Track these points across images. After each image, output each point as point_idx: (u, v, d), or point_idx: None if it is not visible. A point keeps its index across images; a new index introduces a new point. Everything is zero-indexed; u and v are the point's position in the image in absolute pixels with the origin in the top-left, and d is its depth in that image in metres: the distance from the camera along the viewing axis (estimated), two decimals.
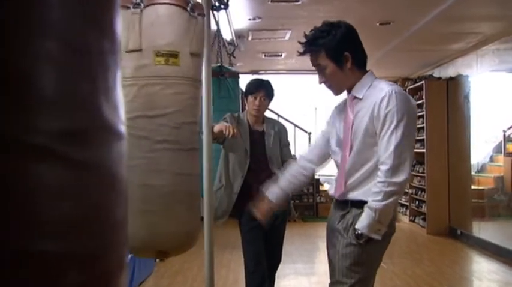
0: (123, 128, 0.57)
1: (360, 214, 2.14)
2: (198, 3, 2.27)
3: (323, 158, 2.54)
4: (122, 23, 2.15)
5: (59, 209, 0.47)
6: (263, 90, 3.49)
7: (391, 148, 2.07)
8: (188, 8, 2.17)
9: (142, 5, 2.11)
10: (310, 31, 2.28)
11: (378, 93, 2.15)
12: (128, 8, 2.12)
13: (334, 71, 2.23)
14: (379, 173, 2.09)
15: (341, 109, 2.37)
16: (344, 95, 2.35)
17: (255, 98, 3.47)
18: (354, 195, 2.21)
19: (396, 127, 2.07)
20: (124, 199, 0.58)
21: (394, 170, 2.06)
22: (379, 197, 2.06)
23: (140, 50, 2.09)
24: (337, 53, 2.20)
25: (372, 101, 2.15)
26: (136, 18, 2.10)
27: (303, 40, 2.28)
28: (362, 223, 2.11)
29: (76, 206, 0.49)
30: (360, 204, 2.16)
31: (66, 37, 0.46)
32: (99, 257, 0.52)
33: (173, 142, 2.09)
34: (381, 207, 2.06)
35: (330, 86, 2.30)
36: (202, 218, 2.62)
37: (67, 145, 0.47)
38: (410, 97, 2.25)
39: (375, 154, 2.14)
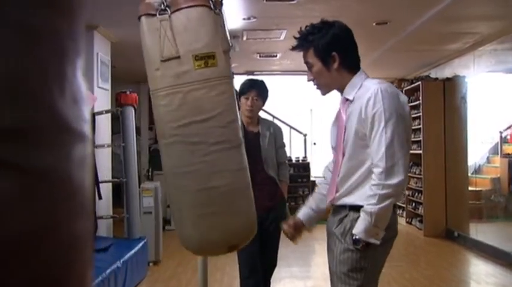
0: (86, 128, 0.48)
1: (358, 218, 2.07)
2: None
3: None
4: (149, 31, 2.08)
5: (1, 228, 0.38)
6: (255, 90, 3.44)
7: (382, 149, 2.00)
8: (211, 6, 2.13)
9: (168, 10, 2.07)
10: (306, 27, 2.25)
11: (365, 93, 2.09)
12: (153, 15, 2.09)
13: (321, 70, 2.21)
14: (373, 176, 2.03)
15: (337, 113, 2.33)
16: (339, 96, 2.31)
17: (247, 99, 3.43)
18: (351, 199, 2.15)
19: (385, 127, 2.01)
20: (87, 210, 0.49)
21: (387, 172, 1.99)
22: (374, 201, 1.99)
23: (178, 57, 2.05)
24: (324, 52, 2.17)
25: (360, 102, 2.10)
26: (167, 24, 2.06)
27: (297, 35, 2.27)
28: (359, 227, 2.04)
29: (24, 223, 0.40)
30: (358, 208, 2.09)
31: (4, 11, 0.37)
32: (57, 282, 0.44)
33: (225, 142, 2.11)
34: (377, 210, 1.99)
35: (317, 85, 2.28)
36: None
37: (8, 148, 0.39)
38: (400, 93, 2.16)
39: (369, 157, 2.08)
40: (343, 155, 2.17)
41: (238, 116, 2.30)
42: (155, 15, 2.07)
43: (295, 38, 2.27)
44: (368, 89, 2.09)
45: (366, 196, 2.04)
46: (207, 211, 2.12)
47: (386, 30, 6.00)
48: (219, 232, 2.14)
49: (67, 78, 0.44)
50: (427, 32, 6.12)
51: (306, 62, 2.24)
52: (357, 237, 2.04)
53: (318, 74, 2.22)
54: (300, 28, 2.26)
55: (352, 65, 2.21)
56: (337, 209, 2.24)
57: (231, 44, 2.25)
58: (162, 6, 2.05)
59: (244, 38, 6.51)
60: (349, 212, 2.14)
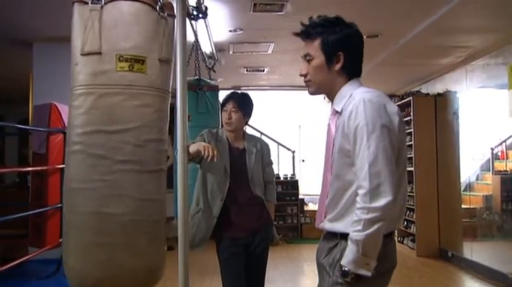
0: None
1: None
2: (167, 2, 1.98)
3: None
4: (77, 20, 1.72)
5: None
6: (232, 101, 3.25)
7: (365, 167, 1.76)
8: (157, 7, 1.90)
9: (102, 0, 1.83)
10: (318, 16, 1.99)
11: (351, 105, 1.86)
12: (86, 3, 1.84)
13: (321, 66, 1.96)
14: (357, 198, 1.78)
15: (327, 125, 2.07)
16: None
17: (226, 111, 3.22)
18: (341, 226, 1.89)
19: (368, 142, 1.77)
20: None
21: (372, 193, 1.74)
22: (360, 227, 1.74)
23: (99, 53, 1.80)
24: (332, 48, 1.92)
25: (345, 115, 1.87)
26: (96, 15, 1.81)
27: (305, 22, 2.00)
28: (347, 258, 1.78)
29: None
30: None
31: None
32: None
33: (136, 162, 1.81)
34: (363, 238, 1.74)
35: (308, 81, 2.01)
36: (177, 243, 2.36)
37: None
38: (388, 103, 1.89)
39: (356, 176, 1.83)
40: (332, 173, 1.94)
41: (166, 139, 2.01)
42: (88, 3, 1.83)
43: (302, 24, 2.00)
44: (353, 101, 1.87)
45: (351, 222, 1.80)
46: (96, 241, 1.79)
47: (377, 43, 5.82)
48: (106, 269, 1.80)
49: None
50: (419, 46, 5.99)
51: (306, 55, 1.99)
52: (345, 269, 1.79)
53: (316, 69, 1.97)
54: (311, 17, 2.00)
55: (353, 72, 1.97)
56: (328, 236, 1.98)
57: (209, 60, 2.03)
58: None
59: (231, 52, 6.31)
60: (340, 240, 1.89)
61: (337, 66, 1.93)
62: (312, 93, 2.05)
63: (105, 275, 1.80)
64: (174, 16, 2.03)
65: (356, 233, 1.75)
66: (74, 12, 1.87)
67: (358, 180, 1.79)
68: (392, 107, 1.88)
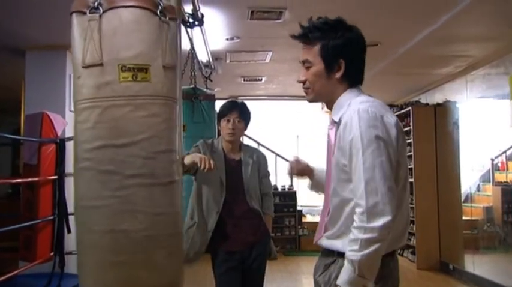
0: None
1: None
2: (168, 5, 1.90)
3: None
4: (77, 31, 1.58)
5: None
6: (236, 111, 3.15)
7: (362, 184, 1.64)
8: (158, 12, 1.82)
9: (101, 9, 1.76)
10: (318, 18, 1.86)
11: (346, 116, 1.75)
12: (84, 13, 1.77)
13: (320, 73, 1.84)
14: (354, 216, 1.66)
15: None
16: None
17: (228, 121, 3.14)
18: (339, 244, 1.78)
19: (363, 157, 1.64)
20: None
21: (370, 212, 1.62)
22: (356, 247, 1.62)
23: (101, 65, 1.75)
24: (332, 55, 1.80)
25: (341, 127, 1.76)
26: (95, 25, 1.75)
27: (305, 24, 1.88)
28: (342, 278, 1.67)
29: None
30: None
31: None
32: None
33: (148, 176, 1.77)
34: (359, 258, 1.61)
35: (307, 88, 1.89)
36: None
37: None
38: (386, 113, 1.74)
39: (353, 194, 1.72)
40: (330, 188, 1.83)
41: (177, 149, 1.93)
42: (86, 13, 1.76)
43: (301, 26, 1.87)
44: (349, 111, 1.75)
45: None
46: (112, 260, 1.75)
47: (376, 52, 5.72)
48: None
49: None
50: (418, 55, 5.91)
51: (305, 61, 1.87)
52: None
53: (315, 77, 1.84)
54: (311, 17, 1.87)
55: (354, 80, 1.85)
56: (325, 252, 1.87)
57: (213, 66, 1.92)
58: (95, 3, 1.75)
59: (228, 61, 6.21)
60: (337, 258, 1.78)
61: (338, 75, 1.82)
62: (310, 101, 1.93)
63: None
64: (176, 19, 1.95)
65: (352, 253, 1.64)
66: (73, 23, 1.80)
67: (355, 198, 1.67)
68: (391, 119, 1.74)
